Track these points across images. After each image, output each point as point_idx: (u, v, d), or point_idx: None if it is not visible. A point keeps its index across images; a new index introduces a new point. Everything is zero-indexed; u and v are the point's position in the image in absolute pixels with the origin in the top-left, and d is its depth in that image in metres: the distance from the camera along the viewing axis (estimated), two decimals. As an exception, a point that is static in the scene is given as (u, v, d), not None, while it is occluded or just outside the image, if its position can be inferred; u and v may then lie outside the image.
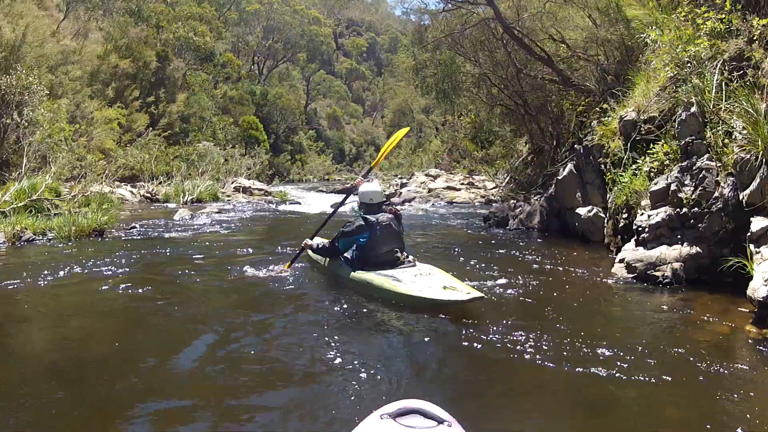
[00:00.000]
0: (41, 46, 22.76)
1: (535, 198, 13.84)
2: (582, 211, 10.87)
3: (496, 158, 28.44)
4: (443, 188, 24.32)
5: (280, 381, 4.41)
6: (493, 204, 20.72)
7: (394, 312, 6.13)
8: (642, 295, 6.92)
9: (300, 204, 23.82)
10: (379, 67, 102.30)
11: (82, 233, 10.48)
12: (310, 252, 7.97)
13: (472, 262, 8.93)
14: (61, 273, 7.63)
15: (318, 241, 7.66)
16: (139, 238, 11.03)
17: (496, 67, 18.71)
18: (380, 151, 8.71)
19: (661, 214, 7.48)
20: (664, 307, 6.50)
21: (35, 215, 11.45)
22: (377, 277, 6.56)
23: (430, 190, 24.42)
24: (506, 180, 24.41)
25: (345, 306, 6.43)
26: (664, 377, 4.36)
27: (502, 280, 7.51)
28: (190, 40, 39.14)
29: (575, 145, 12.16)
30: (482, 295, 5.94)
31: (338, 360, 4.72)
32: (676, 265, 7.10)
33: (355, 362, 4.69)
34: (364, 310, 6.28)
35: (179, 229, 12.69)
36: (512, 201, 14.82)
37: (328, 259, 7.66)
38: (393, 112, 64.08)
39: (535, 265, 8.82)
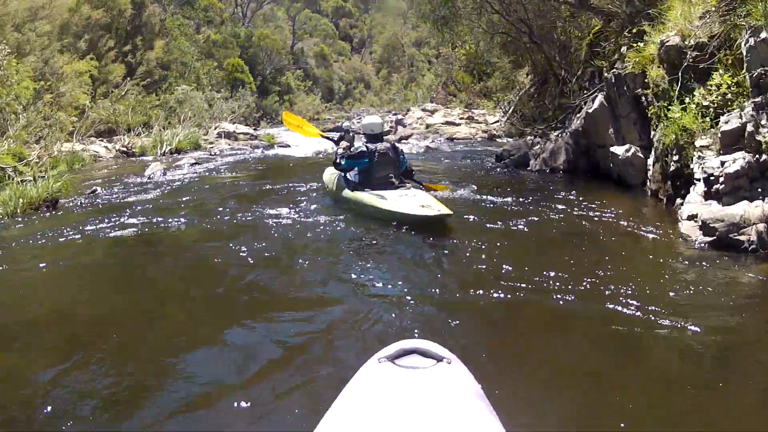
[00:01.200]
0: (4, 4, 20.85)
1: (557, 134, 12.24)
2: (619, 150, 9.32)
3: (495, 91, 26.86)
4: (442, 123, 22.58)
5: (279, 328, 4.41)
6: (499, 140, 19.26)
7: (396, 243, 6.48)
8: (722, 264, 5.48)
9: (289, 146, 21.97)
10: (365, 2, 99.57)
11: (32, 206, 8.86)
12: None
13: (497, 209, 8.04)
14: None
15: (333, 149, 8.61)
16: (98, 204, 9.40)
17: (499, -11, 16.81)
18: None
19: (739, 161, 5.95)
20: (753, 281, 5.10)
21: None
22: (367, 196, 7.57)
23: (428, 126, 22.66)
24: (509, 113, 22.89)
25: (345, 237, 6.93)
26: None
27: (539, 228, 7.01)
28: (164, -18, 36.84)
29: (605, 74, 10.52)
30: (450, 212, 6.72)
31: (337, 297, 4.89)
32: (761, 226, 5.59)
33: (354, 301, 4.79)
34: (363, 240, 6.70)
35: (149, 187, 11.09)
36: (529, 138, 13.07)
37: (334, 182, 8.55)
38: (383, 47, 61.66)
39: (575, 217, 7.57)
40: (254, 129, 27.59)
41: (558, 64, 17.33)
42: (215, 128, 23.74)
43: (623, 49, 10.04)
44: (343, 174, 8.21)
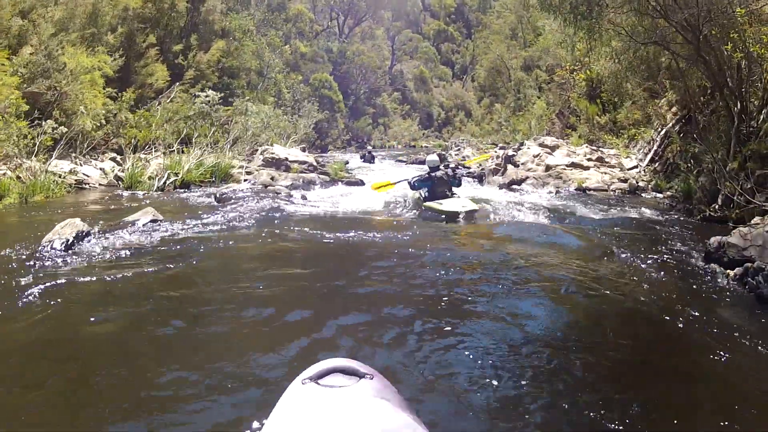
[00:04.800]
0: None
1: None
2: None
3: (628, 125, 20.83)
4: (566, 165, 16.25)
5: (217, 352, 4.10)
6: (645, 195, 13.40)
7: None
8: None
9: (362, 185, 15.89)
10: (468, 28, 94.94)
11: None
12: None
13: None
14: None
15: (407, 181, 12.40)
16: None
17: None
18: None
19: None
20: None
21: None
22: (432, 203, 11.30)
23: (548, 168, 16.34)
24: (649, 157, 16.92)
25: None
26: None
27: None
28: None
29: None
30: (477, 207, 10.83)
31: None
32: None
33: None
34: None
35: (15, 277, 5.53)
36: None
37: (415, 197, 12.31)
38: (487, 71, 55.58)
39: None
40: (336, 152, 22.05)
41: (731, 92, 11.09)
42: (261, 153, 18.12)
43: None
44: (419, 193, 11.98)
